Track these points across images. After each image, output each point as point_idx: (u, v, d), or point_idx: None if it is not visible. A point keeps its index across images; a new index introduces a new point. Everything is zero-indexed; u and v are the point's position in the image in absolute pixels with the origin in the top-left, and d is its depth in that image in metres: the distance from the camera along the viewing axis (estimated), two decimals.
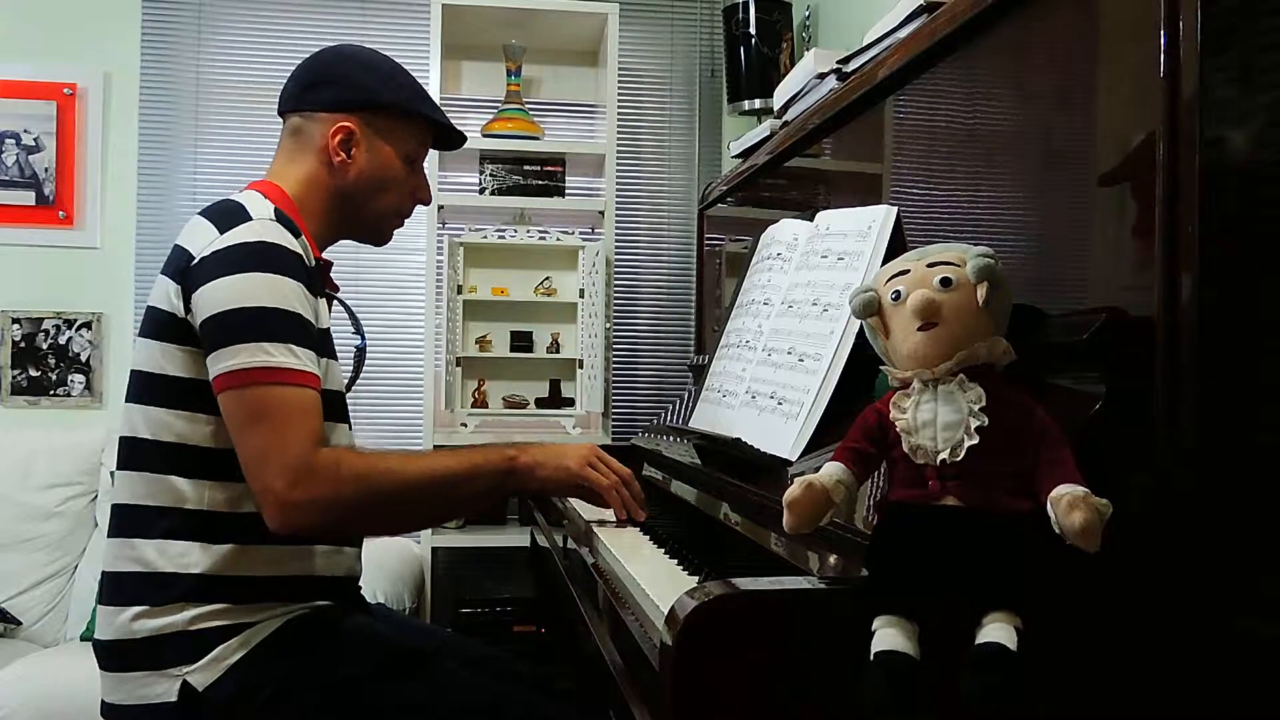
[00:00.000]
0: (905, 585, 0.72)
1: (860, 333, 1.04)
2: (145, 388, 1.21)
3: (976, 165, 1.09)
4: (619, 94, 2.61)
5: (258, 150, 2.69)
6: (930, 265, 0.80)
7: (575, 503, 1.53)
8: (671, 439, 1.68)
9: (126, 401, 1.24)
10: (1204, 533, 0.74)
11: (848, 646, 0.72)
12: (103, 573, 1.23)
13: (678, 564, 1.15)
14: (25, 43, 2.67)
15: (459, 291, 2.54)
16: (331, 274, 1.37)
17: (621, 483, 1.35)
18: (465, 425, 2.53)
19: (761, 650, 0.73)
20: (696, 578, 1.07)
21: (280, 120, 1.37)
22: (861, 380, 1.04)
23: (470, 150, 2.50)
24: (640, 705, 0.96)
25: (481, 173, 2.63)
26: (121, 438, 1.23)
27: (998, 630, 0.68)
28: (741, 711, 0.73)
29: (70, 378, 2.67)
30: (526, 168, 2.62)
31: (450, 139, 1.44)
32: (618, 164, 2.60)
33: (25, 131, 2.66)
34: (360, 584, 1.40)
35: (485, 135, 2.55)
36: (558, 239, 2.60)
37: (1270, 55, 0.76)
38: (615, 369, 2.70)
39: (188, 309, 1.17)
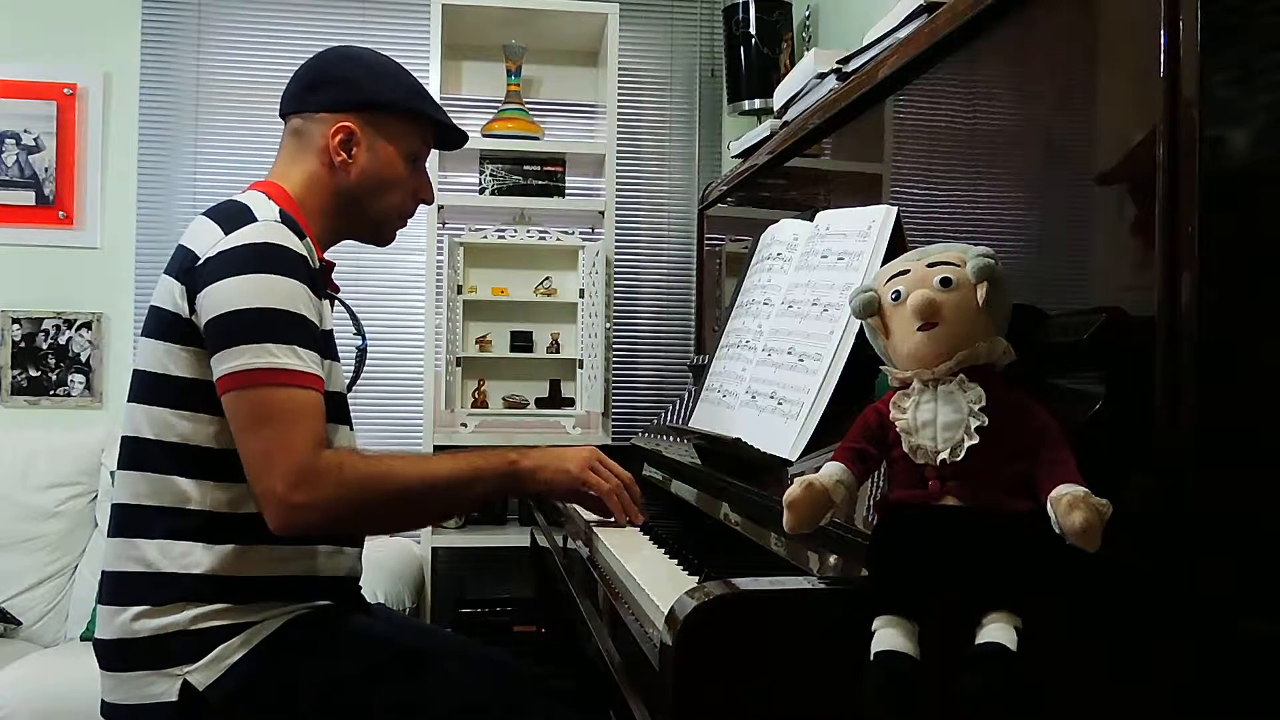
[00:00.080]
0: (905, 585, 0.72)
1: (860, 333, 1.04)
2: (148, 388, 1.21)
3: (976, 165, 1.09)
4: (619, 94, 2.61)
5: (258, 150, 2.69)
6: (930, 265, 0.80)
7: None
8: (671, 439, 1.68)
9: (129, 401, 1.24)
10: (1204, 533, 0.74)
11: (848, 646, 0.72)
12: (103, 572, 1.23)
13: (678, 564, 1.15)
14: (25, 43, 2.67)
15: (459, 291, 2.54)
16: (332, 275, 1.37)
17: (621, 486, 1.36)
18: (465, 425, 2.53)
19: (761, 650, 0.73)
20: (696, 578, 1.07)
21: (281, 122, 1.37)
22: (861, 380, 1.04)
23: (470, 150, 2.50)
24: (640, 705, 0.96)
25: (481, 173, 2.63)
26: (124, 437, 1.23)
27: (998, 630, 0.68)
28: (741, 711, 0.73)
29: (70, 378, 2.67)
30: (526, 168, 2.63)
31: (451, 138, 1.44)
32: (618, 164, 2.60)
33: (25, 131, 2.66)
34: (360, 584, 1.40)
35: (485, 135, 2.55)
36: (558, 239, 2.60)
37: (1270, 55, 0.76)
38: (615, 369, 2.70)
39: (192, 309, 1.17)
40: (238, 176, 2.66)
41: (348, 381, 1.41)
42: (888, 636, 0.70)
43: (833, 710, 0.73)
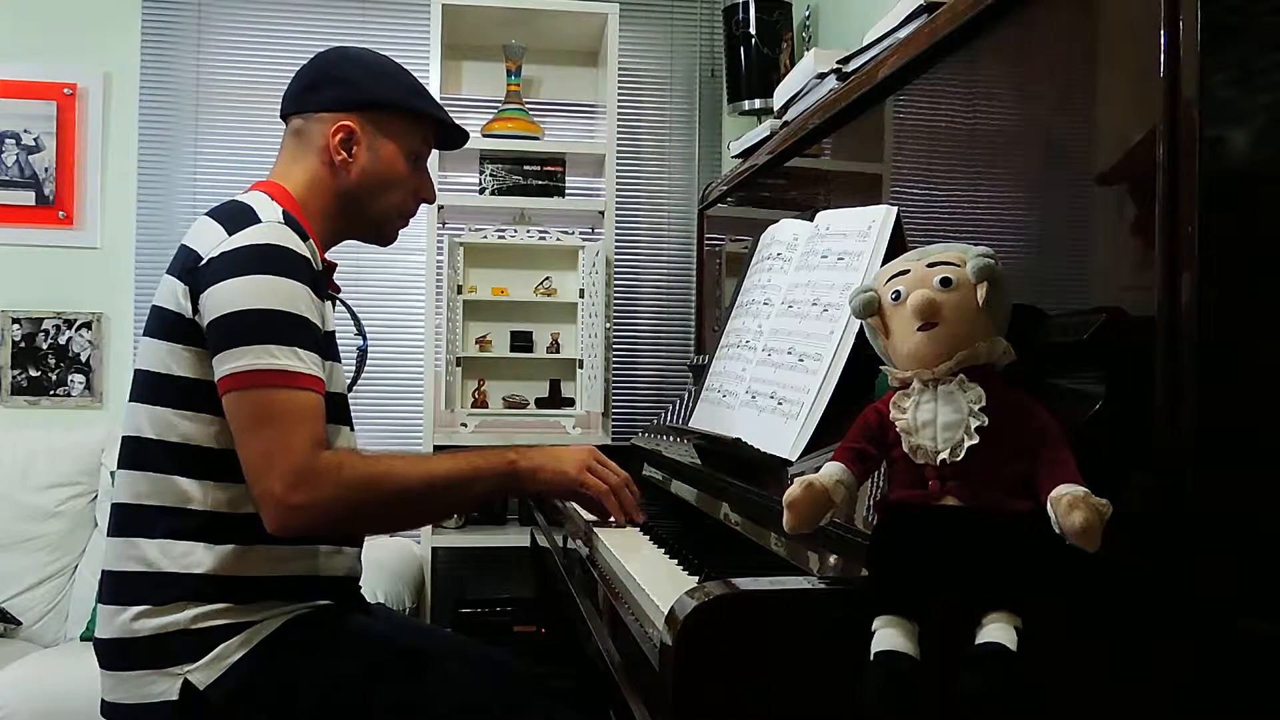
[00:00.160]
0: (905, 585, 0.72)
1: (860, 333, 1.04)
2: (150, 387, 1.21)
3: (976, 165, 1.09)
4: (619, 94, 2.60)
5: (258, 150, 2.69)
6: (930, 265, 0.80)
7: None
8: (671, 439, 1.68)
9: (131, 401, 1.24)
10: (1204, 533, 0.74)
11: (848, 646, 0.72)
12: (104, 572, 1.23)
13: (678, 564, 1.15)
14: (25, 43, 2.67)
15: (459, 291, 2.54)
16: (334, 275, 1.37)
17: (621, 485, 1.36)
18: (465, 425, 2.53)
19: (761, 650, 0.73)
20: (696, 578, 1.07)
21: (282, 123, 1.37)
22: (861, 380, 1.04)
23: (470, 150, 2.50)
24: (640, 705, 0.96)
25: (481, 173, 2.63)
26: (125, 437, 1.24)
27: (998, 630, 0.68)
28: (741, 711, 0.73)
29: (70, 378, 2.67)
30: (526, 168, 2.63)
31: (452, 138, 1.44)
32: (618, 164, 2.60)
33: (25, 131, 2.66)
34: (360, 584, 1.40)
35: (485, 135, 2.55)
36: (558, 239, 2.60)
37: (1270, 55, 0.76)
38: (615, 369, 2.70)
39: (196, 309, 1.18)
40: (238, 176, 2.66)
41: (348, 382, 1.41)
42: (888, 636, 0.70)
43: (833, 710, 0.73)
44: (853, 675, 0.70)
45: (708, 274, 2.25)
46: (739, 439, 1.22)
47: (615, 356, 2.71)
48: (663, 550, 1.23)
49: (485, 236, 2.57)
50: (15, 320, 2.66)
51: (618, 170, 2.59)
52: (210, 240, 1.19)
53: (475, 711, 1.22)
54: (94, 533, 2.40)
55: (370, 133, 1.33)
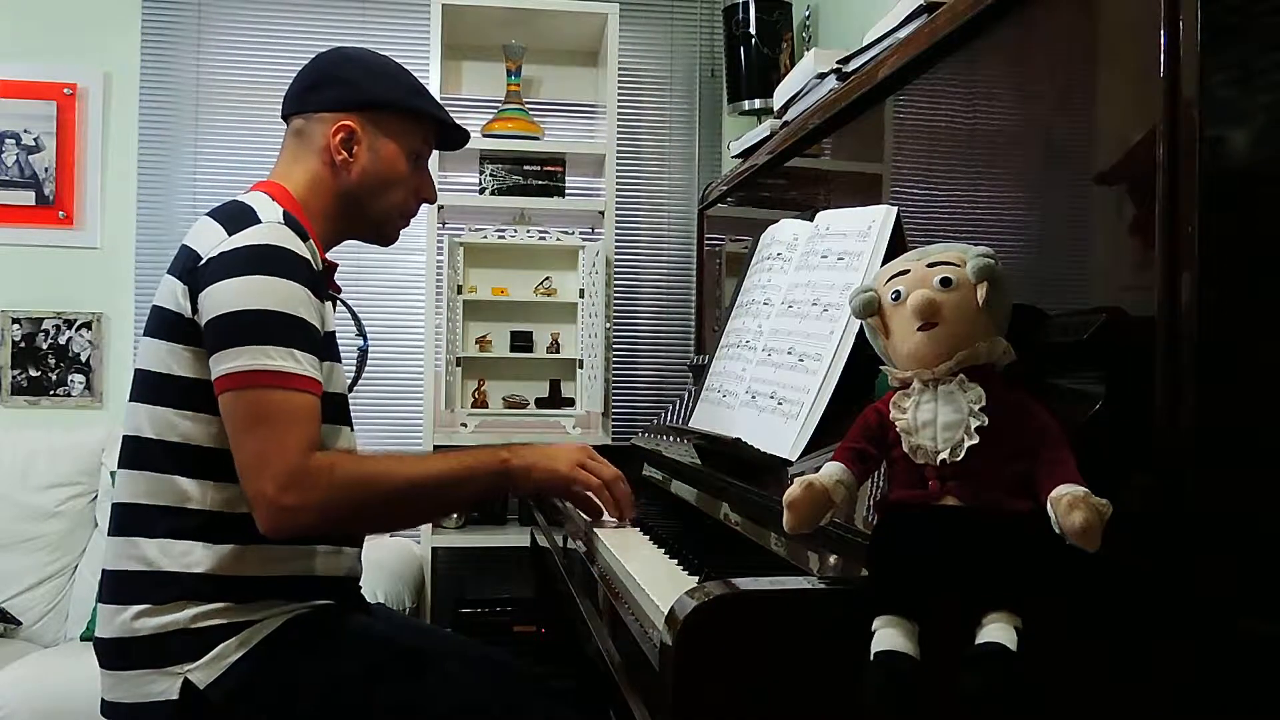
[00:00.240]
0: (905, 585, 0.72)
1: (860, 333, 1.04)
2: (150, 387, 1.22)
3: (976, 165, 1.09)
4: (619, 94, 2.61)
5: (258, 150, 2.69)
6: (930, 265, 0.80)
7: None
8: (671, 439, 1.68)
9: (131, 400, 1.24)
10: (1204, 533, 0.74)
11: (848, 646, 0.72)
12: (104, 571, 1.23)
13: (678, 564, 1.15)
14: (25, 43, 2.67)
15: (459, 291, 2.54)
16: (334, 275, 1.37)
17: (614, 479, 1.36)
18: (465, 425, 2.53)
19: (761, 650, 0.73)
20: (696, 578, 1.07)
21: (283, 123, 1.37)
22: (861, 380, 1.04)
23: (470, 150, 2.50)
24: (640, 705, 0.96)
25: (481, 173, 2.63)
26: (125, 436, 1.24)
27: (998, 630, 0.68)
28: (741, 711, 0.73)
29: (70, 378, 2.67)
30: (526, 168, 2.63)
31: (453, 138, 1.44)
32: (618, 164, 2.60)
33: (25, 131, 2.66)
34: (360, 584, 1.40)
35: (485, 135, 2.55)
36: (558, 239, 2.60)
37: (1270, 55, 0.76)
38: (615, 369, 2.70)
39: (195, 309, 1.18)
40: (238, 176, 2.66)
41: (349, 382, 1.41)
42: (888, 636, 0.70)
43: (833, 710, 0.73)
44: (853, 675, 0.70)
45: (708, 274, 2.25)
46: (739, 439, 1.22)
47: (615, 356, 2.71)
48: (663, 550, 1.23)
49: (485, 236, 2.57)
50: (15, 320, 2.66)
51: (618, 170, 2.59)
52: (210, 240, 1.19)
53: (475, 711, 1.23)
54: (94, 533, 2.40)
55: (371, 133, 1.33)
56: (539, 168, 2.63)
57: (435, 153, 1.49)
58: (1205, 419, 0.73)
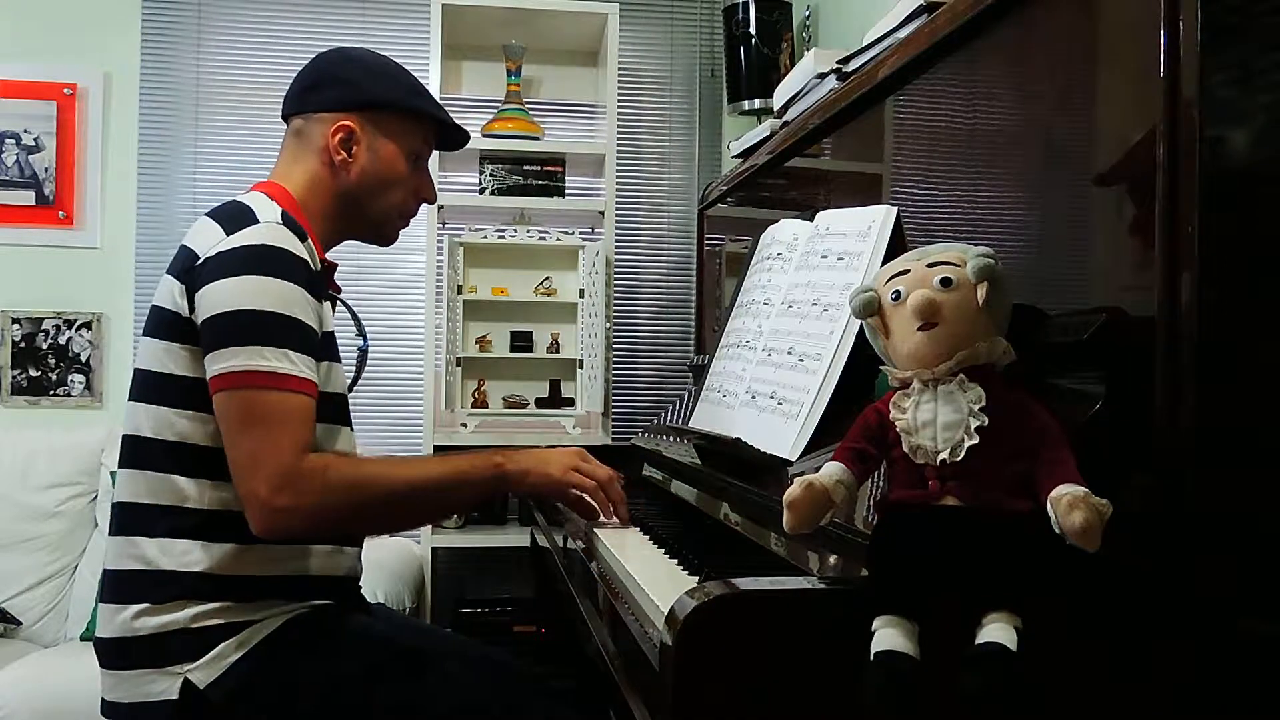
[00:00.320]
0: (905, 585, 0.72)
1: (860, 333, 1.04)
2: (149, 386, 1.22)
3: (976, 165, 1.09)
4: (619, 94, 2.60)
5: (258, 150, 2.69)
6: (930, 265, 0.80)
7: None
8: (671, 439, 1.68)
9: (130, 400, 1.24)
10: (1204, 533, 0.74)
11: (848, 646, 0.72)
12: (104, 570, 1.23)
13: (678, 564, 1.15)
14: (25, 43, 2.67)
15: (459, 291, 2.54)
16: (334, 275, 1.37)
17: (608, 480, 1.37)
18: (465, 425, 2.53)
19: (761, 650, 0.73)
20: (696, 578, 1.07)
21: (283, 123, 1.37)
22: (861, 380, 1.04)
23: (470, 150, 2.50)
24: (640, 705, 0.96)
25: (481, 173, 2.63)
26: (124, 436, 1.24)
27: (998, 630, 0.68)
28: (741, 711, 0.73)
29: (70, 378, 2.67)
30: (526, 168, 2.63)
31: (453, 138, 1.44)
32: (618, 164, 2.60)
33: (25, 131, 2.66)
34: (360, 584, 1.40)
35: (485, 135, 2.55)
36: (558, 239, 2.60)
37: (1270, 55, 0.76)
38: (615, 369, 2.70)
39: (192, 309, 1.18)
40: (238, 176, 2.66)
41: (349, 382, 1.41)
42: (888, 636, 0.70)
43: (833, 710, 0.73)
44: (853, 675, 0.70)
45: (708, 274, 2.25)
46: (739, 439, 1.22)
47: (615, 356, 2.71)
48: (663, 550, 1.23)
49: (485, 236, 2.57)
50: (15, 320, 2.66)
51: (618, 170, 2.59)
52: (208, 240, 1.19)
53: (475, 711, 1.23)
54: (94, 533, 2.40)
55: (370, 133, 1.33)
56: (539, 168, 2.63)
57: (435, 153, 1.49)
58: (1205, 419, 0.73)
